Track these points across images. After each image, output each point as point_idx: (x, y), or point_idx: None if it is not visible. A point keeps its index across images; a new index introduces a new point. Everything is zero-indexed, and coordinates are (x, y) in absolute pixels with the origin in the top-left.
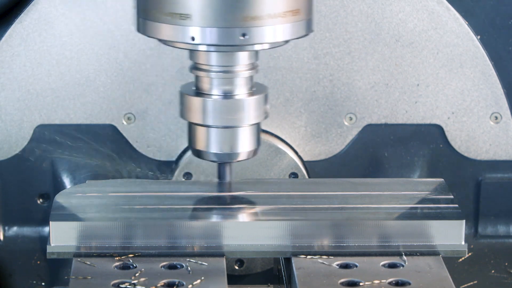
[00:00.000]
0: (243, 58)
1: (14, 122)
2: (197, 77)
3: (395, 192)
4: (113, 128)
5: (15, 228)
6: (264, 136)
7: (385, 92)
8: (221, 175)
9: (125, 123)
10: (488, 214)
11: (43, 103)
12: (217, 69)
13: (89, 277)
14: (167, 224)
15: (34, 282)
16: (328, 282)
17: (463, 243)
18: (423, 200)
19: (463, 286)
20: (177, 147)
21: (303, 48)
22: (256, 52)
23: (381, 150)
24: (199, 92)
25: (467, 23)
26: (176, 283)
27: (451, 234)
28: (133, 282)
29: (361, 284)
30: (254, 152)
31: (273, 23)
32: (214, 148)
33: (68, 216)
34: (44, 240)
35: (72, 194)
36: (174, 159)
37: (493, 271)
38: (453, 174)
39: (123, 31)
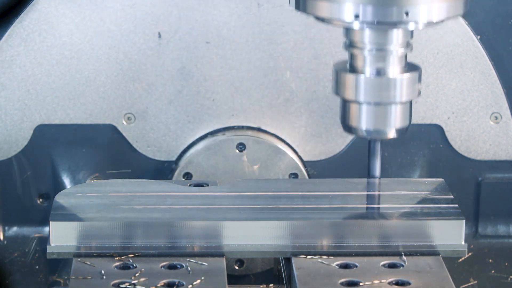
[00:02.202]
0: (397, 36)
1: (14, 122)
2: (351, 55)
3: (395, 192)
4: (113, 128)
5: (15, 228)
6: (264, 136)
7: None
8: (371, 152)
9: (125, 123)
10: (488, 214)
11: (43, 103)
12: (371, 46)
13: (89, 277)
14: (167, 224)
15: (34, 282)
16: (328, 282)
17: (463, 243)
18: (423, 200)
19: (463, 286)
20: (177, 147)
21: (303, 48)
22: (411, 31)
23: (381, 150)
24: (352, 69)
25: (467, 23)
26: (176, 283)
27: (451, 234)
28: (133, 282)
29: (361, 284)
30: (405, 130)
31: (432, 1)
32: (365, 125)
33: (68, 216)
34: (44, 240)
35: (72, 194)
36: (174, 159)
37: (493, 271)
38: (453, 174)
39: (123, 31)
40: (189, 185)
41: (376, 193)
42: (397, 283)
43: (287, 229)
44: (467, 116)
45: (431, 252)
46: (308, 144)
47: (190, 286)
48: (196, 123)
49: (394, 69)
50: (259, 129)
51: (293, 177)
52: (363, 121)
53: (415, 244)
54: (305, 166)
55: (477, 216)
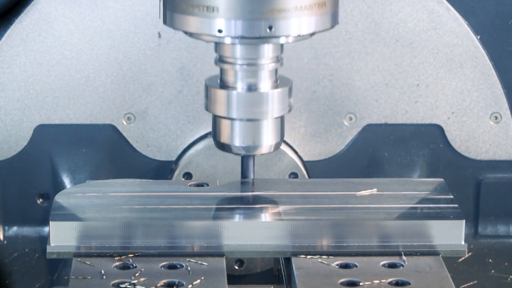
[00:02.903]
0: (267, 51)
1: (14, 122)
2: (222, 70)
3: (395, 192)
4: (113, 128)
5: (15, 228)
6: None
7: (385, 92)
8: (244, 169)
9: (125, 123)
10: (488, 214)
11: (43, 103)
12: (242, 61)
13: (89, 277)
14: (167, 224)
15: (34, 282)
16: (328, 282)
17: (463, 243)
18: (423, 200)
19: (463, 286)
20: (177, 147)
21: (303, 48)
22: (281, 45)
23: (381, 150)
24: (223, 85)
25: (467, 23)
26: (176, 283)
27: (451, 234)
28: (133, 282)
29: (361, 284)
30: (277, 145)
31: (299, 16)
32: (238, 141)
33: (68, 216)
34: (44, 240)
35: (72, 194)
36: (174, 159)
37: (493, 271)
38: (453, 174)
39: (123, 31)
40: (189, 185)
41: (376, 193)
42: (397, 283)
43: (287, 229)
44: (467, 116)
45: (431, 252)
46: (308, 144)
47: (190, 286)
48: (196, 123)
49: (265, 84)
50: None
51: (293, 177)
52: (236, 137)
53: (415, 244)
54: (305, 166)
55: (477, 216)
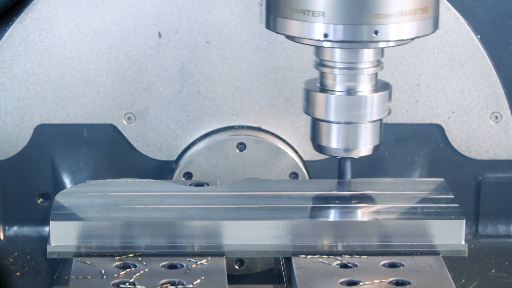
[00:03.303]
0: (368, 55)
1: (14, 122)
2: (322, 74)
3: (395, 192)
4: (113, 128)
5: (15, 228)
6: (264, 136)
7: None
8: (341, 171)
9: (125, 123)
10: (488, 214)
11: (43, 103)
12: (342, 65)
13: (89, 277)
14: (167, 224)
15: (34, 282)
16: (328, 282)
17: (463, 242)
18: (423, 200)
19: None
20: (177, 147)
21: (303, 48)
22: (382, 49)
23: (381, 150)
24: (323, 88)
25: (467, 23)
26: (176, 283)
27: (451, 234)
28: (133, 282)
29: (361, 284)
30: (376, 148)
31: (402, 21)
32: (335, 144)
33: (68, 216)
34: (44, 240)
35: (72, 194)
36: (174, 159)
37: (493, 271)
38: (453, 174)
39: (123, 31)
40: (189, 185)
41: (376, 193)
42: (397, 283)
43: (287, 229)
44: (467, 116)
45: (431, 252)
46: (308, 144)
47: (190, 286)
48: (196, 123)
49: (364, 88)
50: (259, 129)
51: (293, 177)
52: (333, 140)
53: (415, 244)
54: (305, 166)
55: (477, 216)
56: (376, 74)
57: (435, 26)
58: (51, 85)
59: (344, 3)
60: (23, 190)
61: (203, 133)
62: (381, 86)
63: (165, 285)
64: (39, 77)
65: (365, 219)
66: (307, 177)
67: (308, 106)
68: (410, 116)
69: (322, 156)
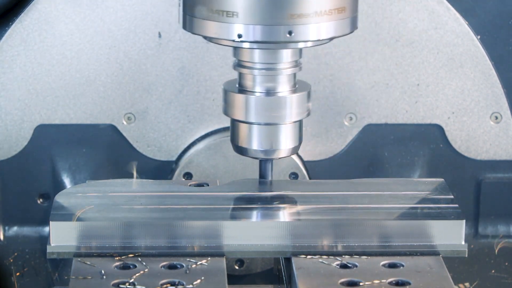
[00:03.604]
0: (286, 56)
1: (14, 122)
2: (240, 74)
3: (395, 192)
4: (113, 128)
5: (15, 228)
6: None
7: (385, 92)
8: (262, 172)
9: (125, 123)
10: (488, 214)
11: (43, 103)
12: (260, 66)
13: (89, 277)
14: (167, 224)
15: (34, 282)
16: (328, 282)
17: (463, 243)
18: (423, 200)
19: None
20: (177, 147)
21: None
22: (300, 49)
23: (381, 150)
24: (242, 90)
25: (467, 23)
26: (176, 283)
27: (451, 234)
28: (133, 282)
29: (361, 284)
30: (295, 149)
31: (319, 21)
32: (256, 145)
33: (68, 216)
34: (44, 240)
35: (72, 194)
36: (174, 159)
37: (493, 271)
38: (453, 174)
39: (123, 31)
40: (189, 185)
41: (376, 193)
42: (397, 283)
43: (287, 229)
44: (467, 116)
45: (431, 252)
46: (308, 144)
47: (190, 286)
48: (196, 123)
49: (284, 88)
50: None
51: (293, 177)
52: (254, 141)
53: (415, 244)
54: (305, 166)
55: (477, 216)
56: (295, 74)
57: (353, 26)
58: (51, 85)
59: (257, 3)
60: (23, 190)
61: (203, 133)
62: (301, 86)
63: (165, 285)
64: (39, 77)
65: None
66: (307, 178)
67: (227, 107)
68: (410, 116)
69: (322, 157)
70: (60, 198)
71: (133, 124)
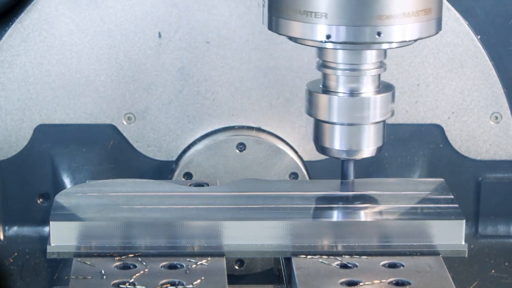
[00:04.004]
0: (371, 57)
1: (14, 122)
2: (324, 75)
3: (395, 192)
4: (113, 128)
5: (15, 228)
6: (264, 136)
7: None
8: (344, 172)
9: (125, 123)
10: (488, 214)
11: (43, 103)
12: (345, 67)
13: (89, 277)
14: (167, 224)
15: (34, 282)
16: (328, 282)
17: (463, 243)
18: (423, 200)
19: None
20: (177, 147)
21: (303, 48)
22: (385, 50)
23: (381, 150)
24: (325, 90)
25: (467, 23)
26: (176, 283)
27: (451, 234)
28: (133, 282)
29: (361, 284)
30: (379, 149)
31: (405, 22)
32: (338, 145)
33: (68, 216)
34: (44, 240)
35: (72, 194)
36: (174, 159)
37: (493, 271)
38: (453, 174)
39: (123, 31)
40: (189, 185)
41: (376, 193)
42: (397, 283)
43: (287, 229)
44: (467, 116)
45: (431, 252)
46: (308, 144)
47: (190, 286)
48: (196, 123)
49: (367, 89)
50: (259, 129)
51: (293, 177)
52: (336, 141)
53: (415, 244)
54: (305, 166)
55: (477, 216)
56: (379, 75)
57: (438, 27)
58: (51, 85)
59: (346, 4)
60: (23, 190)
61: (203, 133)
62: (384, 87)
63: (165, 285)
64: (39, 77)
65: (366, 219)
66: (307, 178)
67: (311, 108)
68: (410, 116)
69: (322, 157)
70: (60, 198)
71: (133, 124)
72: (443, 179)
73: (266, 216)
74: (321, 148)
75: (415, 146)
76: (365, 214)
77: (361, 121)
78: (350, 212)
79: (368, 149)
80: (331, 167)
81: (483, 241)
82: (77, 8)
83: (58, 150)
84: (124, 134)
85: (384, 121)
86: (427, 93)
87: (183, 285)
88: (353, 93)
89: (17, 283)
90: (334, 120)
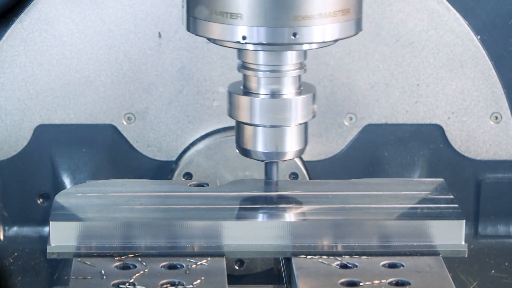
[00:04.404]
0: (291, 58)
1: (14, 122)
2: (245, 77)
3: (395, 192)
4: (113, 128)
5: (15, 228)
6: None
7: (385, 92)
8: (268, 174)
9: (125, 123)
10: (488, 214)
11: (43, 103)
12: (265, 68)
13: (89, 277)
14: (167, 224)
15: (34, 282)
16: (328, 282)
17: (463, 243)
18: (423, 200)
19: None
20: (177, 147)
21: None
22: (305, 51)
23: (381, 150)
24: (247, 92)
25: (467, 23)
26: (176, 283)
27: (451, 234)
28: (133, 282)
29: (361, 284)
30: (301, 151)
31: (323, 23)
32: (261, 147)
33: (68, 216)
34: (44, 240)
35: (72, 194)
36: (174, 159)
37: (493, 271)
38: (453, 174)
39: (123, 31)
40: (189, 185)
41: (376, 193)
42: (397, 283)
43: (287, 229)
44: (467, 116)
45: (431, 252)
46: (308, 144)
47: (190, 286)
48: (196, 123)
49: (288, 91)
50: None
51: (293, 177)
52: (259, 144)
53: (415, 244)
54: (305, 166)
55: (477, 216)
56: (299, 76)
57: (358, 28)
58: (51, 85)
59: (262, 5)
60: (23, 190)
61: (203, 133)
62: (306, 88)
63: (165, 286)
64: (39, 77)
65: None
66: (307, 178)
67: (232, 110)
68: (410, 116)
69: (322, 157)
70: (60, 198)
71: (133, 124)
72: (443, 179)
73: (266, 216)
74: (243, 150)
75: (415, 146)
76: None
77: (283, 122)
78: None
79: (290, 151)
80: (331, 167)
81: (483, 241)
82: (77, 8)
83: (58, 150)
84: (124, 134)
85: (306, 123)
86: (427, 93)
87: (183, 285)
88: (274, 94)
89: (17, 283)
90: (256, 122)
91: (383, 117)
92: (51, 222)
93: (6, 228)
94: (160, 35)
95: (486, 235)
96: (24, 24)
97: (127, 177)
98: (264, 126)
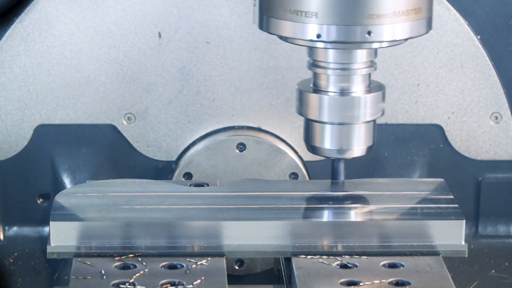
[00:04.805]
0: (362, 56)
1: (14, 122)
2: (314, 74)
3: (395, 192)
4: (113, 128)
5: (15, 228)
6: (264, 136)
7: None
8: (335, 171)
9: (125, 123)
10: (488, 214)
11: (43, 103)
12: (335, 66)
13: (89, 277)
14: (167, 224)
15: (34, 282)
16: (328, 282)
17: (463, 243)
18: (423, 200)
19: None
20: (177, 147)
21: (303, 48)
22: (375, 50)
23: (381, 150)
24: (316, 89)
25: (467, 23)
26: (176, 283)
27: (451, 234)
28: (133, 282)
29: (361, 284)
30: (369, 148)
31: (396, 21)
32: (328, 145)
33: (68, 216)
34: (44, 240)
35: (72, 194)
36: (174, 159)
37: (493, 271)
38: (453, 174)
39: (123, 31)
40: (189, 185)
41: (376, 193)
42: (397, 283)
43: (287, 229)
44: (467, 116)
45: (431, 252)
46: None
47: (190, 286)
48: (196, 123)
49: (358, 88)
50: (259, 129)
51: (293, 177)
52: (327, 141)
53: (415, 244)
54: (305, 166)
55: (477, 216)
56: (369, 74)
57: (429, 26)
58: (51, 85)
59: (337, 3)
60: (23, 190)
61: (203, 133)
62: (375, 86)
63: (165, 286)
64: (39, 77)
65: (362, 219)
66: (307, 178)
67: (302, 107)
68: (410, 116)
69: (322, 157)
70: (60, 198)
71: (133, 124)
72: (443, 179)
73: (266, 216)
74: (312, 148)
75: (415, 146)
76: (365, 214)
77: (352, 120)
78: (349, 212)
79: (358, 148)
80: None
81: (483, 241)
82: (77, 8)
83: (58, 150)
84: (124, 134)
85: (374, 120)
86: (427, 93)
87: (183, 285)
88: (343, 92)
89: (17, 283)
90: (325, 119)
91: (383, 117)
92: (51, 222)
93: (6, 228)
94: (160, 35)
95: (486, 235)
96: (24, 24)
97: (127, 177)
98: (332, 124)
